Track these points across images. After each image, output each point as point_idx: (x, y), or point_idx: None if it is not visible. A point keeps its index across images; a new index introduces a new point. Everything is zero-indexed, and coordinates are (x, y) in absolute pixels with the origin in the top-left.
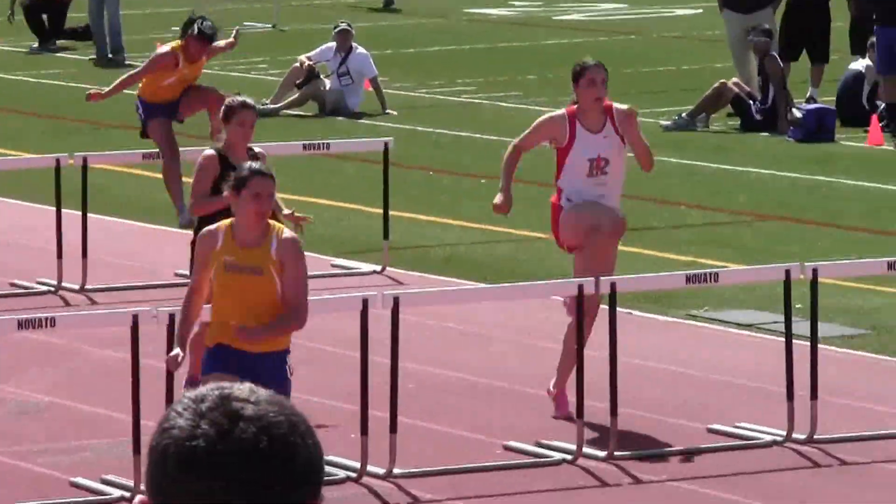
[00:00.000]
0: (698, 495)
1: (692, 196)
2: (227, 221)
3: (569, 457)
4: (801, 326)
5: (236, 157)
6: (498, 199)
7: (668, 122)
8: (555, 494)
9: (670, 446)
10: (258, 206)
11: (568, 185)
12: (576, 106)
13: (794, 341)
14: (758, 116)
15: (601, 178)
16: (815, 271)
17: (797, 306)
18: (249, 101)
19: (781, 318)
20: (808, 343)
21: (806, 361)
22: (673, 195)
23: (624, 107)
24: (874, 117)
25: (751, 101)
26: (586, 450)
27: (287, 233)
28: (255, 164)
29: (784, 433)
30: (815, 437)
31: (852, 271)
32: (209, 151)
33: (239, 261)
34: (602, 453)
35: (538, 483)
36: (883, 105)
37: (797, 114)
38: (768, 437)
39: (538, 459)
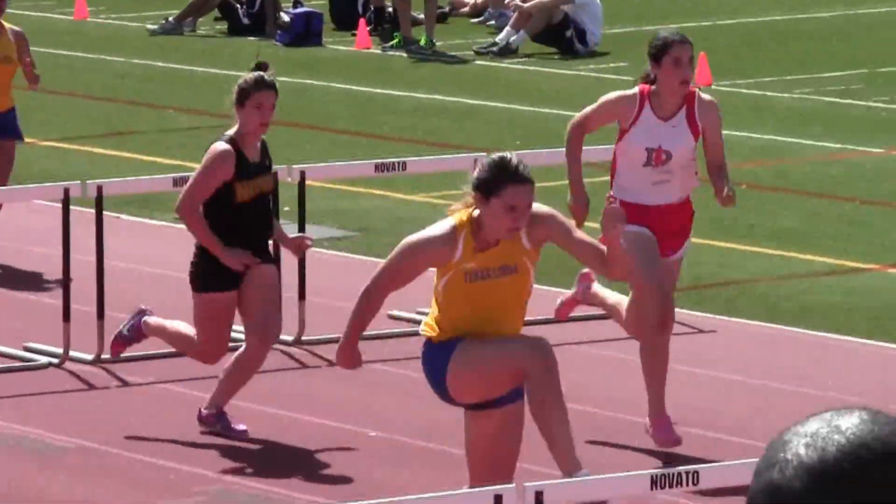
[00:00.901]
0: (191, 398)
1: (179, 100)
2: (463, 221)
3: (55, 360)
4: (290, 229)
5: (248, 147)
6: (571, 200)
7: (155, 27)
8: (41, 398)
9: (159, 350)
10: (514, 221)
11: (621, 177)
12: (652, 86)
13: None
14: (246, 20)
15: (661, 169)
16: (302, 174)
17: (286, 209)
18: (268, 75)
19: (282, 222)
20: None
21: (294, 263)
22: (160, 99)
23: (709, 98)
24: (362, 21)
25: (238, 6)
26: (73, 353)
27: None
28: (510, 163)
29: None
30: (302, 338)
31: (341, 173)
32: (224, 146)
33: (483, 266)
34: (89, 356)
35: (25, 387)
36: (372, 9)
37: (285, 18)
38: None
39: (24, 364)
